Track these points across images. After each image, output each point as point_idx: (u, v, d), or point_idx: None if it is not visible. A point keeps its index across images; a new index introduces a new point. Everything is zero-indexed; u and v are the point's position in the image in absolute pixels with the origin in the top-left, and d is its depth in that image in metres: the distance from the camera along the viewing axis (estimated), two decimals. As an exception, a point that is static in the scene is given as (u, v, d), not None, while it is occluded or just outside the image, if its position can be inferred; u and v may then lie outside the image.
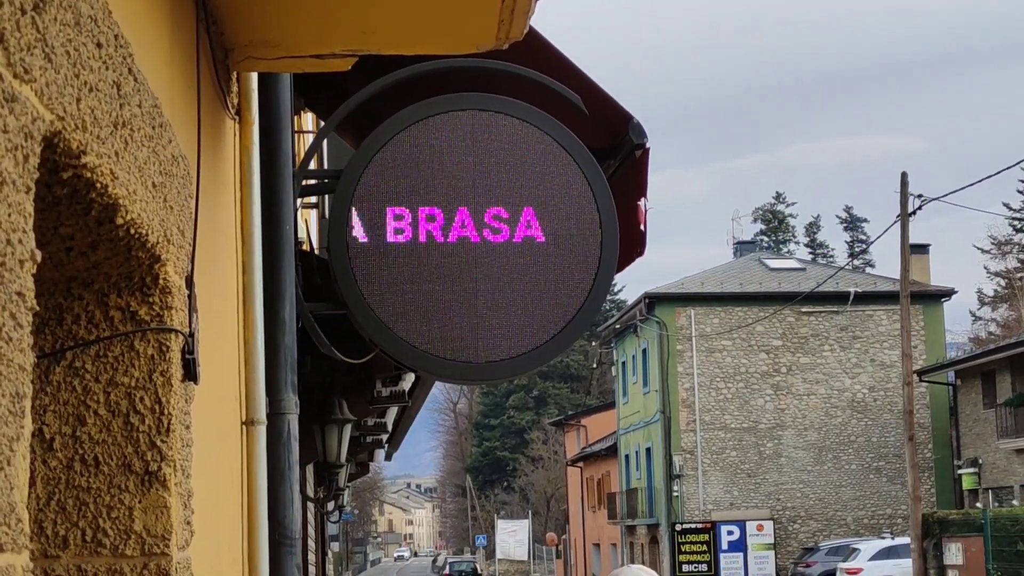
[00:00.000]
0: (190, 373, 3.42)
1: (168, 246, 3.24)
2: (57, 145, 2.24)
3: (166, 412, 3.27)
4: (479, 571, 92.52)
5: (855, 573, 42.24)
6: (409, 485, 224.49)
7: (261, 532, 4.86)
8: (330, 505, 18.63)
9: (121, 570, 3.19)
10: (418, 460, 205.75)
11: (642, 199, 6.93)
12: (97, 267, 3.12)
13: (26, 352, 1.96)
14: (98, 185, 2.53)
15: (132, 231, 2.87)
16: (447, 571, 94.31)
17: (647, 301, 55.69)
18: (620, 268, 7.05)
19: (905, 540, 40.45)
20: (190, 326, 3.44)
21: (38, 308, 3.24)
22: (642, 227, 6.93)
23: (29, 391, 1.98)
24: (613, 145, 6.73)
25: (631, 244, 6.86)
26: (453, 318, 5.95)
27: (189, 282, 3.50)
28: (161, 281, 3.26)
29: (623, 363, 63.48)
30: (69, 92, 2.27)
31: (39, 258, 2.02)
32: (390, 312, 5.88)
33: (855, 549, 44.42)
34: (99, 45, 2.51)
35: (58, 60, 2.18)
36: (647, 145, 6.65)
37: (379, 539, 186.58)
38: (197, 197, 3.67)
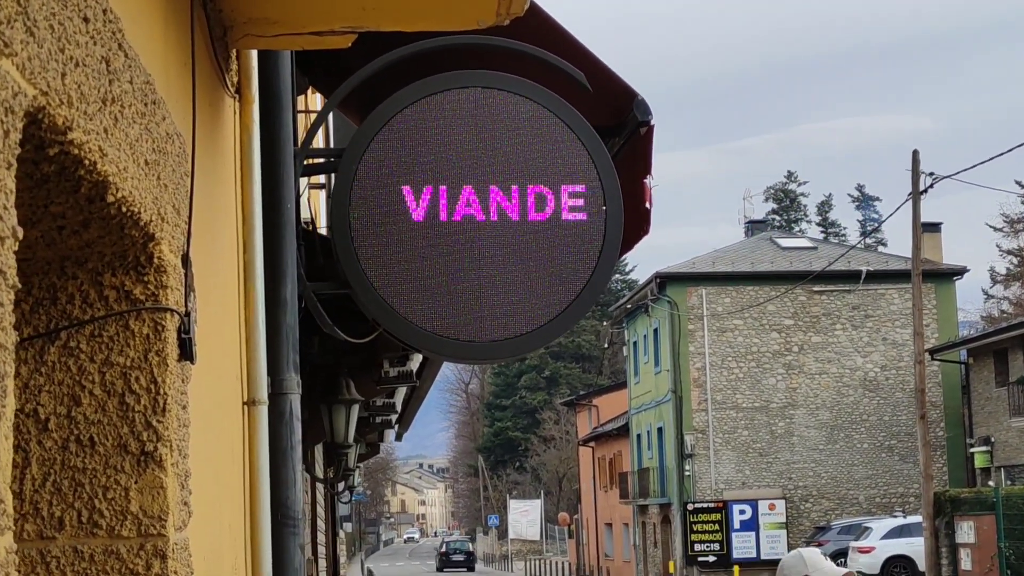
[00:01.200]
0: (186, 352, 3.39)
1: (163, 224, 3.21)
2: (42, 121, 2.21)
3: (162, 392, 3.24)
4: (472, 550, 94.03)
5: (867, 552, 42.29)
6: (421, 465, 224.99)
7: (263, 512, 4.84)
8: (340, 486, 18.57)
9: (117, 551, 3.17)
10: (430, 440, 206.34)
11: (647, 177, 6.89)
12: (90, 246, 3.09)
13: (8, 331, 1.93)
14: (86, 162, 2.50)
15: (124, 209, 2.84)
16: (443, 549, 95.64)
17: (658, 281, 55.66)
18: (626, 247, 7.01)
19: (917, 519, 40.48)
20: (186, 305, 3.41)
21: (34, 288, 3.26)
22: (647, 205, 6.89)
23: (11, 371, 1.95)
24: (617, 123, 6.69)
25: (637, 223, 6.82)
26: (457, 297, 5.91)
27: (185, 261, 3.47)
28: (156, 260, 3.23)
29: (634, 343, 63.47)
30: (53, 67, 2.23)
31: (21, 235, 1.98)
32: (393, 291, 5.85)
33: (867, 528, 44.47)
34: (86, 19, 2.47)
35: (41, 34, 2.14)
36: (652, 122, 6.61)
37: (392, 519, 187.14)
38: (193, 175, 3.64)
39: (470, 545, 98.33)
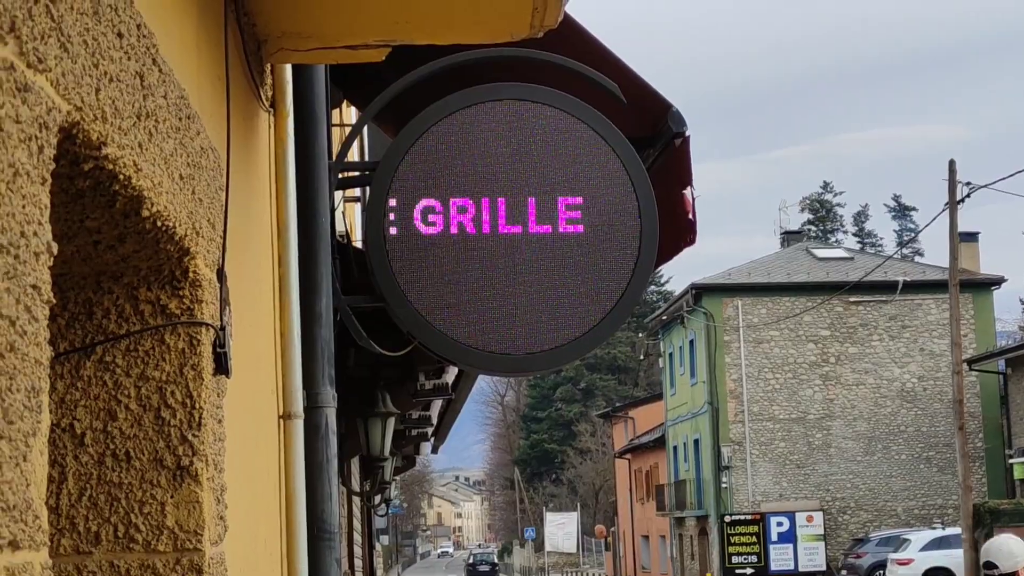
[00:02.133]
0: (221, 367, 3.39)
1: (197, 239, 3.21)
2: (76, 136, 2.21)
3: (197, 406, 3.24)
4: (495, 563, 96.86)
5: (906, 564, 41.99)
6: (457, 478, 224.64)
7: (299, 527, 4.83)
8: (377, 499, 18.59)
9: (153, 566, 3.17)
10: (466, 453, 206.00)
11: (688, 188, 6.85)
12: (126, 260, 3.09)
13: (42, 346, 1.92)
14: (121, 177, 2.50)
15: (159, 223, 2.84)
16: (471, 561, 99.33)
17: (694, 292, 55.51)
18: (669, 257, 6.99)
19: (956, 530, 40.18)
20: (221, 319, 3.41)
21: (69, 303, 3.27)
22: (690, 216, 6.85)
23: (46, 386, 1.95)
24: (652, 134, 6.67)
25: (678, 233, 6.79)
26: (492, 310, 5.90)
27: (220, 275, 3.47)
28: (191, 274, 3.23)
29: (670, 354, 63.31)
30: (87, 82, 2.23)
31: (56, 250, 1.98)
32: (428, 304, 5.84)
33: (906, 539, 44.16)
34: (120, 35, 2.48)
35: (75, 49, 2.14)
36: (687, 134, 6.58)
37: (428, 532, 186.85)
38: (227, 189, 3.64)
39: (494, 557, 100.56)
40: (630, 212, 6.00)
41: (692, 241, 6.99)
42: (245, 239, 4.14)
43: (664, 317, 63.26)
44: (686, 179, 6.84)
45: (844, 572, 48.75)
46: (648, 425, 73.10)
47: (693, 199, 6.87)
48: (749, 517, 52.46)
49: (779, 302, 54.30)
